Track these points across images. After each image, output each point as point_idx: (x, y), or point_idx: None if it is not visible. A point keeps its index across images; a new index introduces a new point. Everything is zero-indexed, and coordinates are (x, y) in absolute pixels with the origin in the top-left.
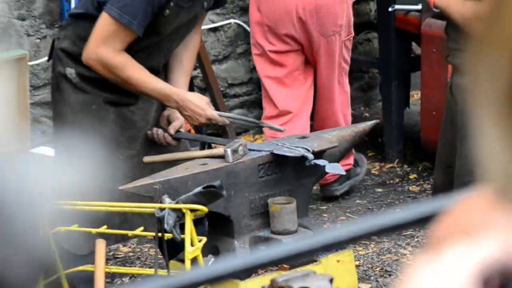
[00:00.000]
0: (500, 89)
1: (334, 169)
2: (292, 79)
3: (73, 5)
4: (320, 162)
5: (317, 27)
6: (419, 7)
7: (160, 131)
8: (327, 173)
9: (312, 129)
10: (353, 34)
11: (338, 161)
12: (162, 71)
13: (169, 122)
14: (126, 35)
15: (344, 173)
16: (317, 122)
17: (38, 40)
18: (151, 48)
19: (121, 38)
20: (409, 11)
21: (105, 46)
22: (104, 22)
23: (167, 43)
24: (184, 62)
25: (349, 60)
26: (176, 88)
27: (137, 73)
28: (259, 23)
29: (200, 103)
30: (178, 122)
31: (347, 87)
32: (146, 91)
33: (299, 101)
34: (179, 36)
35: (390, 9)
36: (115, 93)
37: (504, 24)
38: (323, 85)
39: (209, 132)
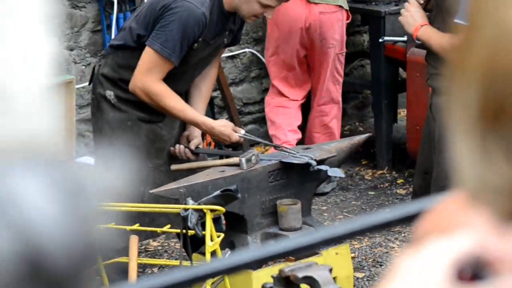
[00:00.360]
0: (471, 107)
1: (335, 172)
2: (296, 80)
3: (113, 37)
4: (323, 167)
5: (319, 38)
6: (405, 38)
7: (181, 147)
8: (327, 178)
9: (307, 133)
10: (345, 50)
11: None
12: (183, 96)
13: (188, 141)
14: (165, 65)
15: (343, 175)
16: (311, 125)
17: (84, 67)
18: (179, 75)
19: (161, 68)
20: (396, 41)
21: (149, 75)
22: (147, 56)
23: (192, 71)
24: (203, 90)
25: (342, 73)
26: (205, 118)
27: (173, 102)
28: (276, 37)
29: (226, 132)
30: (197, 140)
31: (340, 97)
32: (179, 117)
33: (303, 93)
34: (201, 66)
35: (380, 40)
36: (147, 112)
37: (473, 54)
38: (322, 86)
39: (227, 144)
